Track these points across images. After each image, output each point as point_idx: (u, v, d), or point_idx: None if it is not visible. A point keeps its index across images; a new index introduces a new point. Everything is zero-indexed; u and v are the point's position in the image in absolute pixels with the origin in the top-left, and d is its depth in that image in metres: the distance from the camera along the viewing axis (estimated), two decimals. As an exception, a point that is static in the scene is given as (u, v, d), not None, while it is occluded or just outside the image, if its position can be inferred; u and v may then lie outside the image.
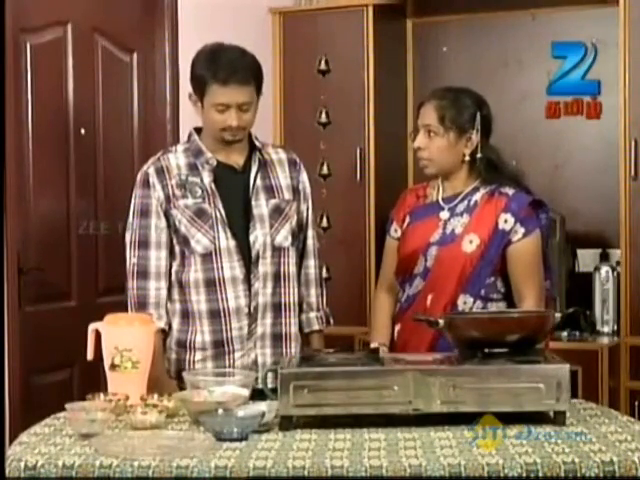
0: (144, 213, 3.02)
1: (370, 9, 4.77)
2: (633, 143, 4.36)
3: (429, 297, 3.05)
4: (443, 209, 3.10)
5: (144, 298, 3.00)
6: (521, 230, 3.02)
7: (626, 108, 4.38)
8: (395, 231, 3.21)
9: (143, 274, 3.00)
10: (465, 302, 3.02)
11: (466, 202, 3.08)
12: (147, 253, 3.00)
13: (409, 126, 5.13)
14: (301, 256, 3.17)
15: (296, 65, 4.89)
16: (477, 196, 3.07)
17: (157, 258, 3.01)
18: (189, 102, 3.07)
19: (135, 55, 4.26)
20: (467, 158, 3.07)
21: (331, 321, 3.23)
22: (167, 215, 3.00)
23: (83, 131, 3.97)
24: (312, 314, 3.18)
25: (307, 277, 3.18)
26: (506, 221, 3.02)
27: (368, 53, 4.77)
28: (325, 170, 4.82)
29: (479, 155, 3.06)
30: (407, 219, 3.16)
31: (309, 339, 3.18)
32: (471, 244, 3.02)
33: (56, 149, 3.88)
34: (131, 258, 3.02)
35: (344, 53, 4.84)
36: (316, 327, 3.18)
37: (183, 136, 4.18)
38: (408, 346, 3.04)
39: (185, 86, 4.29)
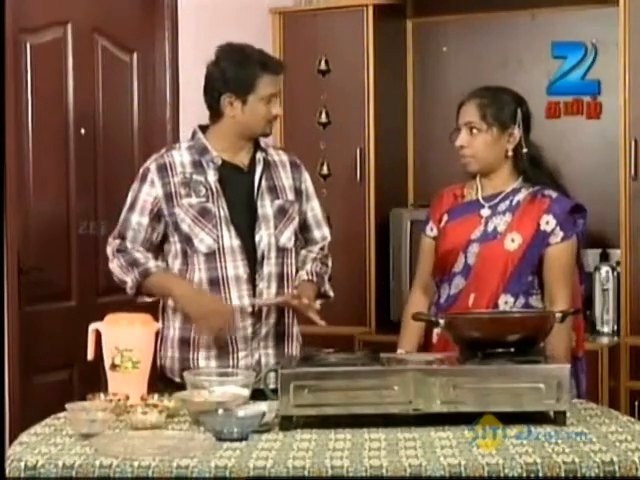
0: (130, 206, 3.04)
1: (370, 9, 4.76)
2: (633, 143, 4.36)
3: (472, 296, 3.03)
4: (484, 207, 3.09)
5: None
6: (560, 234, 3.03)
7: (626, 108, 4.37)
8: (431, 230, 3.19)
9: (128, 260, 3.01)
10: (506, 302, 3.01)
11: (508, 201, 3.07)
12: (124, 245, 3.02)
13: (409, 126, 5.15)
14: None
15: (296, 65, 4.87)
16: (520, 196, 3.08)
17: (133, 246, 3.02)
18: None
19: (135, 55, 4.26)
20: (510, 153, 3.08)
21: (331, 293, 3.15)
22: (164, 214, 3.00)
23: (83, 131, 3.97)
24: (301, 272, 3.12)
25: (306, 257, 3.16)
26: (548, 223, 3.03)
27: (368, 53, 4.76)
28: (325, 170, 4.82)
29: (524, 150, 3.07)
30: (445, 217, 3.14)
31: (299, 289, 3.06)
32: (513, 243, 3.02)
33: (56, 149, 3.88)
34: (111, 243, 3.05)
35: (344, 53, 4.84)
36: (304, 277, 3.10)
37: (183, 136, 4.19)
38: (450, 348, 2.98)
39: (185, 86, 4.33)
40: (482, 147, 3.06)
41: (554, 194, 3.07)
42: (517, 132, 3.07)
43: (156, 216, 3.01)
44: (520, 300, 3.02)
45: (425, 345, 3.14)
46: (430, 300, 3.18)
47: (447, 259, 3.09)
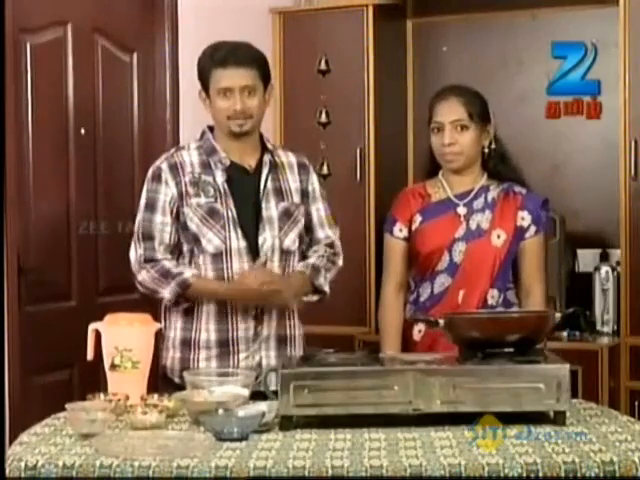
0: (150, 207, 3.01)
1: (370, 9, 4.76)
2: (633, 143, 4.36)
3: (461, 293, 3.07)
4: (458, 205, 3.13)
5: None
6: (533, 228, 3.13)
7: (626, 108, 4.37)
8: (400, 231, 3.21)
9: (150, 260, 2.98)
10: (493, 296, 3.09)
11: (482, 199, 3.13)
12: (153, 249, 2.99)
13: (409, 126, 5.15)
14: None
15: (296, 65, 4.88)
16: (493, 193, 3.14)
17: (163, 253, 2.99)
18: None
19: (135, 55, 4.26)
20: (487, 150, 3.15)
21: (326, 289, 3.07)
22: (178, 212, 3.00)
23: (83, 131, 3.97)
24: (301, 263, 3.08)
25: (313, 253, 3.12)
26: (523, 218, 3.12)
27: (368, 53, 4.76)
28: (325, 170, 4.81)
29: (493, 146, 3.14)
30: (417, 218, 3.16)
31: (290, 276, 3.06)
32: (499, 239, 3.10)
33: (56, 149, 3.88)
34: (137, 250, 3.01)
35: (344, 53, 4.84)
36: (298, 268, 3.06)
37: (183, 136, 4.21)
38: (437, 345, 3.00)
39: (185, 86, 4.33)
40: (470, 144, 3.11)
41: (524, 190, 3.16)
42: (492, 129, 3.15)
43: (176, 215, 3.01)
44: (502, 296, 3.08)
45: (406, 342, 3.16)
46: (404, 300, 3.21)
47: (430, 259, 3.12)
